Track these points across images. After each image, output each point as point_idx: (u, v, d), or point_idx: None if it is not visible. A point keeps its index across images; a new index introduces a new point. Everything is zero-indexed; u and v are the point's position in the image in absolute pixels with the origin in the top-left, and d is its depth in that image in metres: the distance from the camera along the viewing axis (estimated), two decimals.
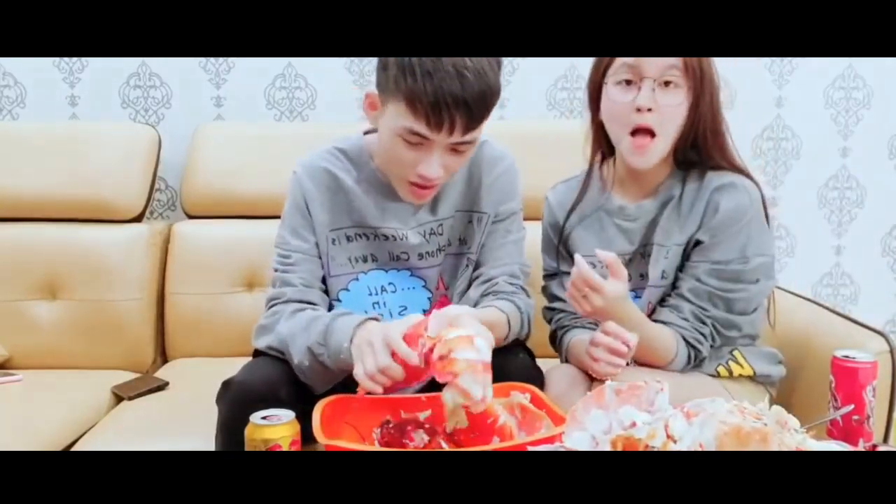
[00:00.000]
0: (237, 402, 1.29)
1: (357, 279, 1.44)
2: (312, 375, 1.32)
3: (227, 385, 1.33)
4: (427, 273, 1.46)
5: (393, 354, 1.17)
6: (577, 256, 1.33)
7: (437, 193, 1.43)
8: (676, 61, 1.34)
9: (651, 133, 1.36)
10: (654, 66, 1.34)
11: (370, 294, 1.44)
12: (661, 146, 1.38)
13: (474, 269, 1.48)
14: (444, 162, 1.32)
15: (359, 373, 1.19)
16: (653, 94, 1.34)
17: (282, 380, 1.31)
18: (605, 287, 1.30)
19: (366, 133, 1.47)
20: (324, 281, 1.44)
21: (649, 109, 1.34)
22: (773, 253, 1.46)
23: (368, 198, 1.43)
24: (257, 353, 1.44)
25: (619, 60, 1.37)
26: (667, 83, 1.34)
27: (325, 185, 1.43)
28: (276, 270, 1.43)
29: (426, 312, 1.37)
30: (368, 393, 1.21)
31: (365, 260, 1.45)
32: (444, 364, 1.10)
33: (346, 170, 1.44)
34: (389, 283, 1.45)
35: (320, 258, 1.43)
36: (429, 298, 1.47)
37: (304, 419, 1.12)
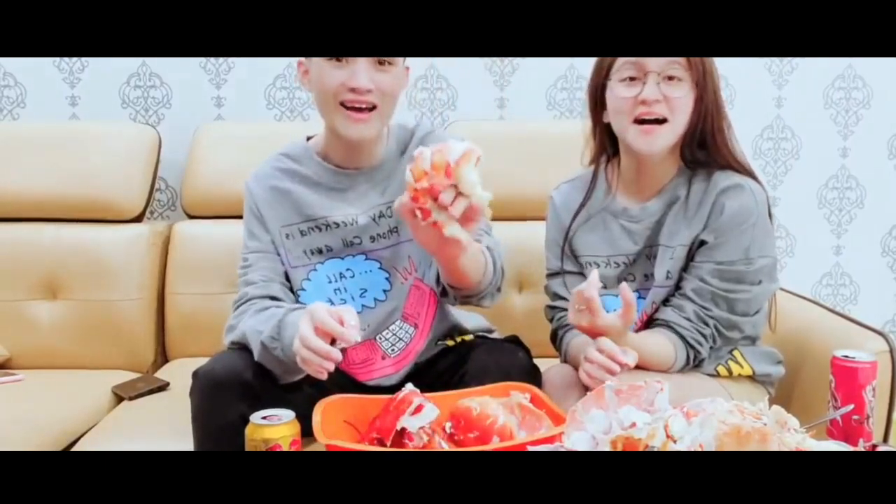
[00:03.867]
0: (203, 392, 1.33)
1: (315, 269, 1.48)
2: (272, 368, 1.34)
3: (194, 376, 1.36)
4: (381, 254, 1.49)
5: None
6: (594, 273, 1.31)
7: (385, 175, 1.48)
8: (679, 58, 1.35)
9: (658, 121, 1.37)
10: (657, 60, 1.35)
11: (330, 282, 1.48)
12: (670, 133, 1.38)
13: None
14: (372, 76, 1.38)
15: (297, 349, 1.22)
16: (658, 87, 1.36)
17: (245, 367, 1.33)
18: (604, 320, 1.29)
19: (308, 139, 1.54)
20: (286, 276, 1.48)
21: (657, 101, 1.36)
22: (776, 255, 1.46)
23: (316, 191, 1.49)
24: None
25: (622, 59, 1.38)
26: (670, 77, 1.36)
27: (272, 187, 1.50)
28: (239, 276, 1.48)
29: (386, 292, 1.48)
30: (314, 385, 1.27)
31: (320, 252, 1.49)
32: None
33: (291, 171, 1.50)
34: (347, 269, 1.49)
35: (278, 254, 1.48)
36: (387, 278, 1.49)
37: (277, 405, 1.15)
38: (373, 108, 1.40)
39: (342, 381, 1.46)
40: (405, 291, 1.50)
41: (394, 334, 1.50)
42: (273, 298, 1.43)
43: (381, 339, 1.50)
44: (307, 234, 1.48)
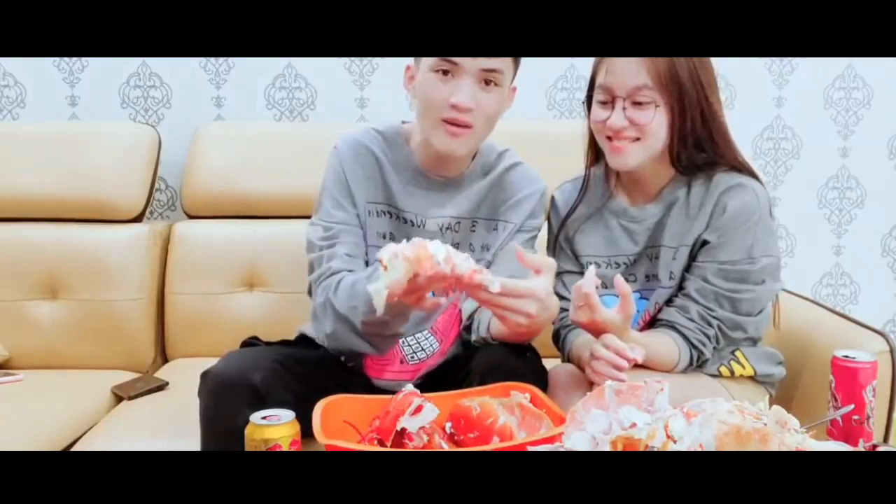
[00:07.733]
0: (213, 392, 1.33)
1: None
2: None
3: (204, 376, 1.36)
4: None
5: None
6: (590, 269, 1.32)
7: (461, 191, 1.49)
8: (647, 80, 1.34)
9: (630, 138, 1.38)
10: (624, 87, 1.36)
11: None
12: (643, 151, 1.39)
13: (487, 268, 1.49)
14: (476, 95, 1.38)
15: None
16: (623, 112, 1.36)
17: (255, 366, 1.33)
18: (603, 315, 1.30)
19: (403, 122, 1.54)
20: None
21: (623, 128, 1.36)
22: (779, 254, 1.46)
23: (399, 179, 1.49)
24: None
25: (598, 81, 1.40)
26: (637, 102, 1.36)
27: (363, 158, 1.50)
28: (319, 248, 1.45)
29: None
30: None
31: (384, 237, 1.49)
32: None
33: (381, 150, 1.51)
34: None
35: (361, 228, 1.48)
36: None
37: (283, 406, 1.14)
38: (469, 126, 1.40)
39: (348, 384, 1.46)
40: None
41: (418, 343, 1.51)
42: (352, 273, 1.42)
43: (404, 343, 1.51)
44: (381, 216, 1.50)
